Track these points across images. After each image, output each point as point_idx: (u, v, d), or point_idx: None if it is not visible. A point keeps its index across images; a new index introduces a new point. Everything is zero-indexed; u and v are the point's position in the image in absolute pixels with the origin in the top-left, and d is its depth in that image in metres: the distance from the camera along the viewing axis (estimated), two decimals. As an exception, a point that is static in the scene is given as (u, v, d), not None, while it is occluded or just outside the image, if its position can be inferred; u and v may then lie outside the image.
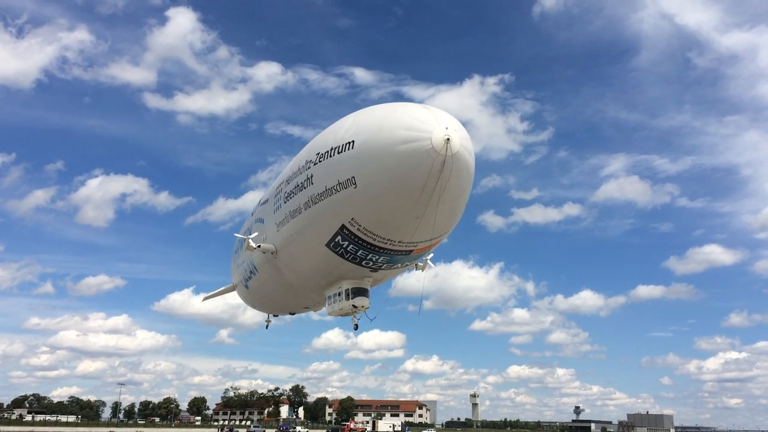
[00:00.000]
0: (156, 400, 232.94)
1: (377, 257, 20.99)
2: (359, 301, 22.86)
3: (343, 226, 19.95)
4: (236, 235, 28.30)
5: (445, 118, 17.95)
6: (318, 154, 20.45)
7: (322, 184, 19.97)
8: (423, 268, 26.94)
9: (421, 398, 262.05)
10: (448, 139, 17.28)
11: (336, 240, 20.64)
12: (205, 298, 43.95)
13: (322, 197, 19.99)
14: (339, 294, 23.59)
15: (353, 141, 18.81)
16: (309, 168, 20.91)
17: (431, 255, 25.43)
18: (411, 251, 21.03)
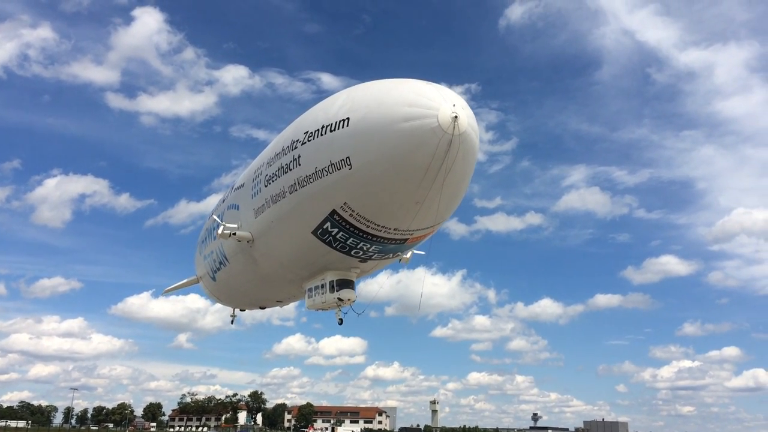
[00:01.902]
0: (110, 405, 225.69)
1: (369, 246, 19.43)
2: (345, 293, 21.23)
3: (333, 212, 18.30)
4: (214, 216, 26.14)
5: (451, 95, 16.54)
6: (307, 132, 18.68)
7: (311, 165, 18.24)
8: (407, 260, 25.55)
9: (381, 405, 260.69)
10: (456, 116, 15.89)
11: (324, 227, 18.97)
12: (166, 291, 41.50)
13: (311, 179, 18.27)
14: (322, 286, 21.88)
15: (348, 118, 17.17)
16: (296, 148, 19.12)
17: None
18: (406, 240, 19.55)
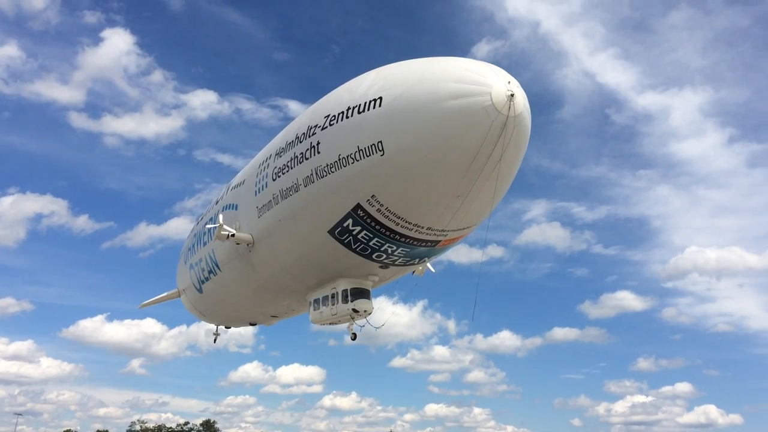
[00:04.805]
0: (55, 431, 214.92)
1: (395, 248, 16.93)
2: (361, 304, 18.58)
3: (358, 206, 15.81)
4: (207, 226, 23.34)
5: (504, 72, 14.36)
6: (328, 116, 16.25)
7: (333, 152, 15.79)
8: (422, 273, 23.10)
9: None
10: (512, 95, 13.67)
11: (345, 225, 16.45)
12: (143, 305, 38.15)
13: (333, 169, 15.80)
14: (333, 296, 19.21)
15: (380, 97, 14.82)
16: (314, 134, 16.65)
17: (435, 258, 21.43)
18: (438, 242, 17.07)
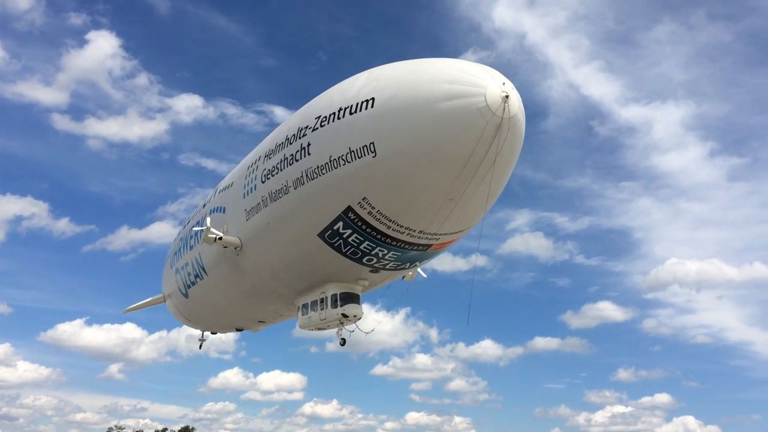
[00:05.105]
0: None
1: (386, 252, 16.66)
2: (350, 309, 18.28)
3: (348, 209, 15.55)
4: (195, 229, 22.92)
5: (498, 73, 14.18)
6: (319, 117, 15.99)
7: (324, 154, 15.52)
8: (412, 278, 22.79)
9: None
10: (507, 96, 13.49)
11: (335, 228, 16.17)
12: (127, 311, 37.52)
13: (323, 171, 15.53)
14: (322, 301, 18.90)
15: (373, 98, 14.58)
16: (305, 135, 16.37)
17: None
18: (429, 246, 16.84)
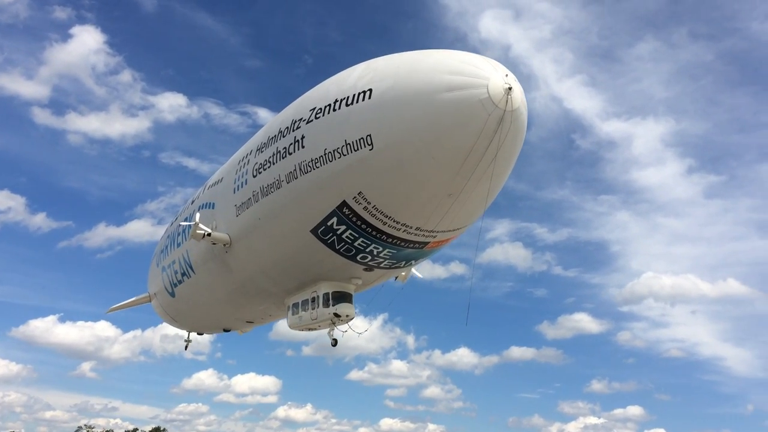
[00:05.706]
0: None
1: (381, 249, 16.13)
2: (343, 308, 17.70)
3: (343, 204, 15.00)
4: (182, 224, 22.28)
5: (501, 65, 13.73)
6: (314, 109, 15.45)
7: (319, 146, 14.98)
8: (405, 279, 22.28)
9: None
10: (510, 88, 13.05)
11: (328, 224, 15.62)
12: (111, 310, 36.64)
13: (317, 164, 14.99)
14: (313, 300, 18.30)
15: (370, 89, 14.08)
16: (299, 128, 15.81)
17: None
18: (426, 244, 16.31)
